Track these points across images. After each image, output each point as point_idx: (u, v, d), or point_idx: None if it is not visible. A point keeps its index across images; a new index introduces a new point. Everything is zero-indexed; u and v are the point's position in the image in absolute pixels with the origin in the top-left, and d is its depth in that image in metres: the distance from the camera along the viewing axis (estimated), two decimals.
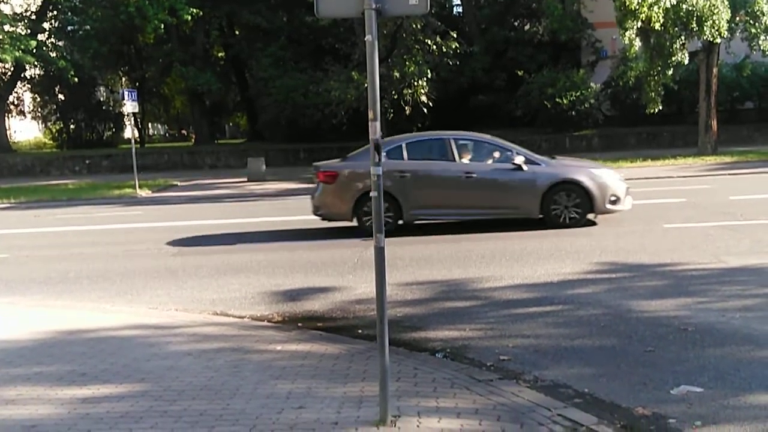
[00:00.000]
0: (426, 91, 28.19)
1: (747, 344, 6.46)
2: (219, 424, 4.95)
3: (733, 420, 5.02)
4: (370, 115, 4.86)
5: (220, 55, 45.63)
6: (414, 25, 26.55)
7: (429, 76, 27.79)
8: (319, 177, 13.47)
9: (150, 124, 63.85)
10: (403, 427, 4.83)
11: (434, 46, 27.59)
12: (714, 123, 27.86)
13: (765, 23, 25.37)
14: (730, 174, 21.26)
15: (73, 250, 13.23)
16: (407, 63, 27.29)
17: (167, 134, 68.39)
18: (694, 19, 24.23)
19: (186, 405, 5.35)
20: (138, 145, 36.25)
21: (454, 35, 28.31)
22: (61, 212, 20.35)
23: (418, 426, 4.85)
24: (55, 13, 38.91)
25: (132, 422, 5.05)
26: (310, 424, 4.89)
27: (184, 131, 63.27)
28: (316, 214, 13.70)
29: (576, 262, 10.07)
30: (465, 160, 13.21)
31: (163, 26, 34.22)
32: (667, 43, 25.30)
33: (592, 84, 33.47)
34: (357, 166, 13.12)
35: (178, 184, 28.10)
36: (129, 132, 34.79)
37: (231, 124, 62.00)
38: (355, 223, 13.16)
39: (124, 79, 46.61)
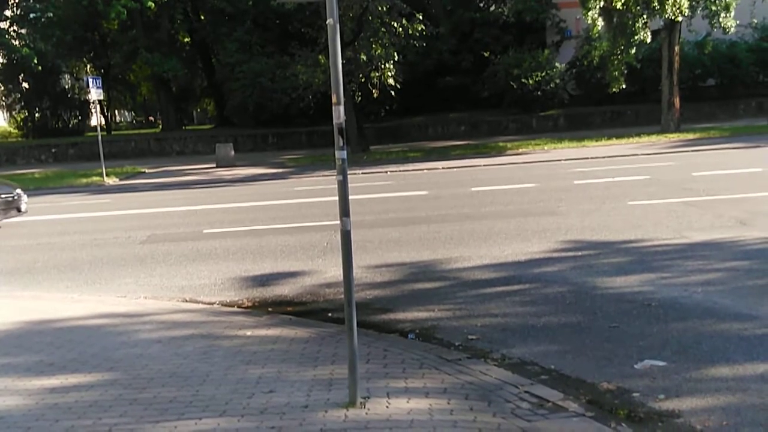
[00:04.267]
0: (393, 73, 28.15)
1: (709, 318, 6.60)
2: (189, 411, 4.96)
3: (695, 392, 5.13)
4: (334, 99, 4.88)
5: (185, 40, 45.18)
6: (380, 8, 26.43)
7: (396, 58, 27.74)
8: None
9: (116, 112, 63.18)
10: (373, 408, 4.87)
11: (400, 29, 27.50)
12: (676, 101, 28.17)
13: (725, 1, 25.62)
14: (692, 151, 21.54)
15: (40, 240, 13.10)
16: (374, 46, 27.22)
17: (134, 121, 67.70)
18: None
19: (155, 392, 5.35)
20: (104, 133, 35.87)
21: (420, 17, 28.23)
22: (28, 202, 20.05)
23: (387, 407, 4.90)
24: (17, 0, 38.27)
25: (101, 411, 5.04)
26: (280, 408, 4.92)
27: (151, 118, 62.67)
28: None
29: (542, 241, 10.18)
30: None
31: (126, 12, 33.82)
32: (630, 22, 25.53)
33: (557, 64, 33.72)
34: None
35: (146, 171, 27.89)
36: (95, 120, 34.40)
37: (199, 110, 61.50)
38: None
39: (88, 66, 46.01)
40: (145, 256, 11.13)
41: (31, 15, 37.90)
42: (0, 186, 14.89)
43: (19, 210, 14.54)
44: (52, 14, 36.25)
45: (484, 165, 22.02)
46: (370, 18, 26.78)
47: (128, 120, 69.30)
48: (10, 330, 7.31)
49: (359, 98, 29.06)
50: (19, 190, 14.84)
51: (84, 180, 24.97)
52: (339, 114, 4.87)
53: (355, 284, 5.19)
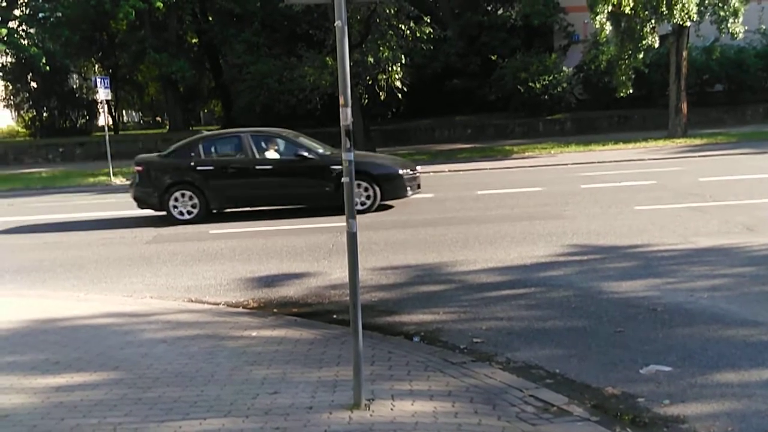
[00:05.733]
0: (400, 76, 28.12)
1: (714, 323, 6.58)
2: (193, 411, 4.98)
3: (700, 398, 5.13)
4: (341, 101, 4.89)
5: (193, 41, 45.24)
6: (387, 11, 26.43)
7: (403, 61, 27.71)
8: None
9: (124, 112, 63.24)
10: (377, 410, 4.88)
11: (408, 31, 27.47)
12: (684, 106, 28.11)
13: (733, 6, 25.56)
14: (699, 156, 21.48)
15: (47, 239, 13.15)
16: (381, 48, 27.20)
17: (141, 121, 67.72)
18: (664, 2, 24.37)
19: (160, 392, 5.37)
20: (112, 133, 35.99)
21: (428, 20, 28.21)
22: (35, 201, 20.18)
23: (391, 409, 4.90)
24: (25, 0, 38.39)
25: (106, 410, 5.06)
26: (284, 409, 4.93)
27: (158, 118, 62.72)
28: None
29: (548, 245, 10.17)
30: None
31: (134, 12, 33.89)
32: (638, 27, 25.45)
33: (564, 68, 33.63)
34: None
35: None
36: (102, 119, 34.48)
37: (206, 110, 61.48)
38: None
39: (97, 66, 46.11)
40: (151, 256, 11.16)
41: (40, 15, 37.94)
42: (405, 164, 15.29)
43: (419, 186, 14.87)
44: (60, 14, 36.30)
45: (490, 168, 22.00)
46: (377, 20, 26.78)
47: (135, 120, 69.35)
48: (16, 328, 7.34)
49: (366, 100, 29.03)
50: (418, 168, 15.23)
51: (91, 179, 25.03)
52: (346, 116, 4.89)
53: (361, 286, 5.20)
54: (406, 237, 11.48)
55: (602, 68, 31.76)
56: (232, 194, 14.54)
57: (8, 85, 44.23)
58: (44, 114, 43.51)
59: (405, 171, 14.54)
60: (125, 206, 17.67)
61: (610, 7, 24.18)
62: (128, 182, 18.39)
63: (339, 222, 11.50)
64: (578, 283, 8.26)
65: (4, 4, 37.04)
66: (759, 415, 4.80)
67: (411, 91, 29.91)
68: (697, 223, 11.04)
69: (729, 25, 25.92)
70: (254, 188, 14.47)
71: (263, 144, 14.69)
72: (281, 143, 14.82)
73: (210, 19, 41.50)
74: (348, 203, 4.92)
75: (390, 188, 14.35)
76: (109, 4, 33.34)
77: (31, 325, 7.42)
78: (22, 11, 37.97)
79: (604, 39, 27.27)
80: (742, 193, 13.55)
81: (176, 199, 14.28)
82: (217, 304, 8.27)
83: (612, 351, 6.10)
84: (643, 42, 25.64)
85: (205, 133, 15.80)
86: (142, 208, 14.80)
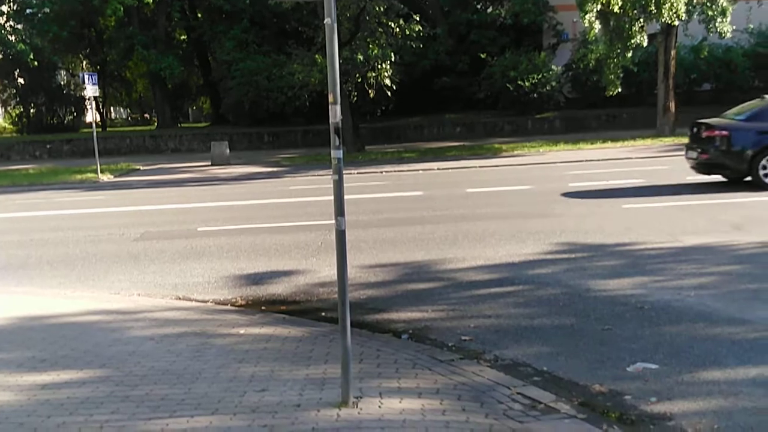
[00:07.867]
0: (390, 74, 28.13)
1: (701, 321, 6.61)
2: (181, 408, 4.96)
3: (687, 396, 5.15)
4: (330, 98, 4.88)
5: (182, 38, 45.17)
6: (377, 8, 26.44)
7: (392, 59, 27.74)
8: None
9: (112, 108, 63.11)
10: (365, 408, 4.88)
11: (397, 29, 27.50)
12: (672, 105, 28.24)
13: (721, 6, 25.70)
14: None
15: (33, 236, 13.07)
16: (371, 46, 27.21)
17: (129, 118, 67.53)
18: (653, 1, 24.48)
19: (148, 390, 5.35)
20: (99, 130, 35.85)
21: (417, 18, 28.26)
22: (22, 198, 20.07)
23: (379, 407, 4.90)
24: None
25: (93, 408, 5.03)
26: (272, 407, 4.91)
27: (146, 115, 62.57)
28: None
29: (536, 243, 10.20)
30: None
31: (122, 9, 33.80)
32: (627, 26, 25.56)
33: (553, 67, 33.75)
34: None
35: (141, 168, 27.83)
36: (90, 116, 34.34)
37: (194, 107, 61.40)
38: None
39: (85, 62, 45.98)
40: (139, 253, 11.12)
41: (28, 11, 37.83)
42: None
43: None
44: (48, 10, 36.20)
45: (479, 166, 22.04)
46: (367, 18, 26.78)
47: (123, 117, 69.17)
48: (2, 326, 7.30)
49: (355, 98, 29.03)
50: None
51: (78, 176, 24.92)
52: (335, 113, 4.88)
53: (349, 284, 5.19)
54: (394, 235, 11.48)
55: (591, 67, 31.85)
56: None
57: None
58: (31, 110, 43.38)
59: None
60: (113, 203, 17.65)
61: (599, 6, 24.29)
62: (115, 179, 17.90)
63: (328, 220, 11.50)
64: (566, 281, 8.28)
65: None
66: (745, 413, 4.82)
67: (400, 88, 29.94)
68: (685, 222, 11.09)
69: (717, 24, 26.06)
70: None
71: None
72: None
73: (199, 15, 41.46)
74: (337, 200, 4.91)
75: None
76: (98, 0, 33.22)
77: (18, 323, 7.38)
78: (9, 7, 37.83)
79: (593, 38, 27.37)
80: (729, 191, 13.61)
81: None
82: (205, 301, 8.24)
83: (599, 349, 6.12)
84: (632, 41, 25.76)
85: None
86: (711, 174, 14.61)
